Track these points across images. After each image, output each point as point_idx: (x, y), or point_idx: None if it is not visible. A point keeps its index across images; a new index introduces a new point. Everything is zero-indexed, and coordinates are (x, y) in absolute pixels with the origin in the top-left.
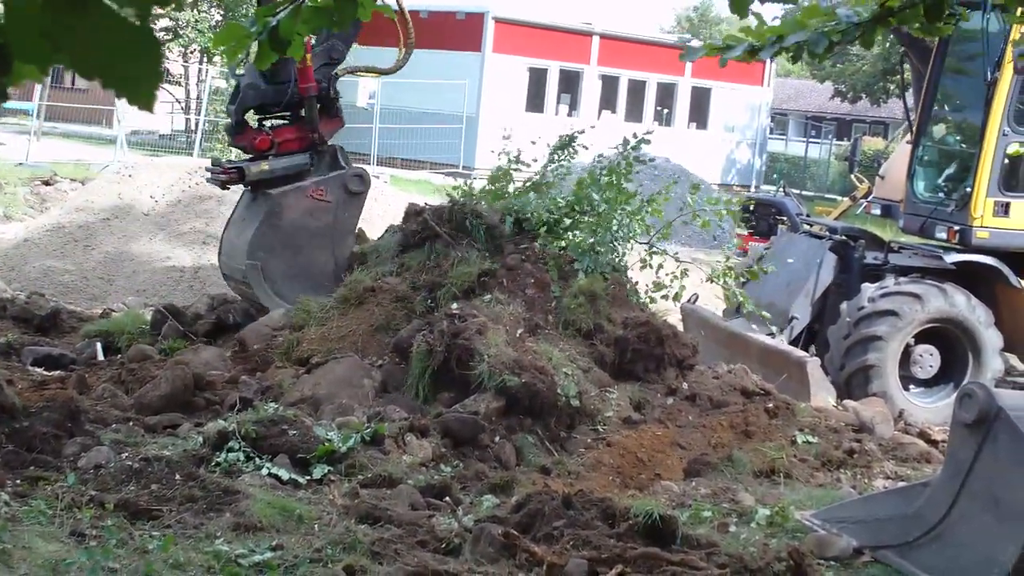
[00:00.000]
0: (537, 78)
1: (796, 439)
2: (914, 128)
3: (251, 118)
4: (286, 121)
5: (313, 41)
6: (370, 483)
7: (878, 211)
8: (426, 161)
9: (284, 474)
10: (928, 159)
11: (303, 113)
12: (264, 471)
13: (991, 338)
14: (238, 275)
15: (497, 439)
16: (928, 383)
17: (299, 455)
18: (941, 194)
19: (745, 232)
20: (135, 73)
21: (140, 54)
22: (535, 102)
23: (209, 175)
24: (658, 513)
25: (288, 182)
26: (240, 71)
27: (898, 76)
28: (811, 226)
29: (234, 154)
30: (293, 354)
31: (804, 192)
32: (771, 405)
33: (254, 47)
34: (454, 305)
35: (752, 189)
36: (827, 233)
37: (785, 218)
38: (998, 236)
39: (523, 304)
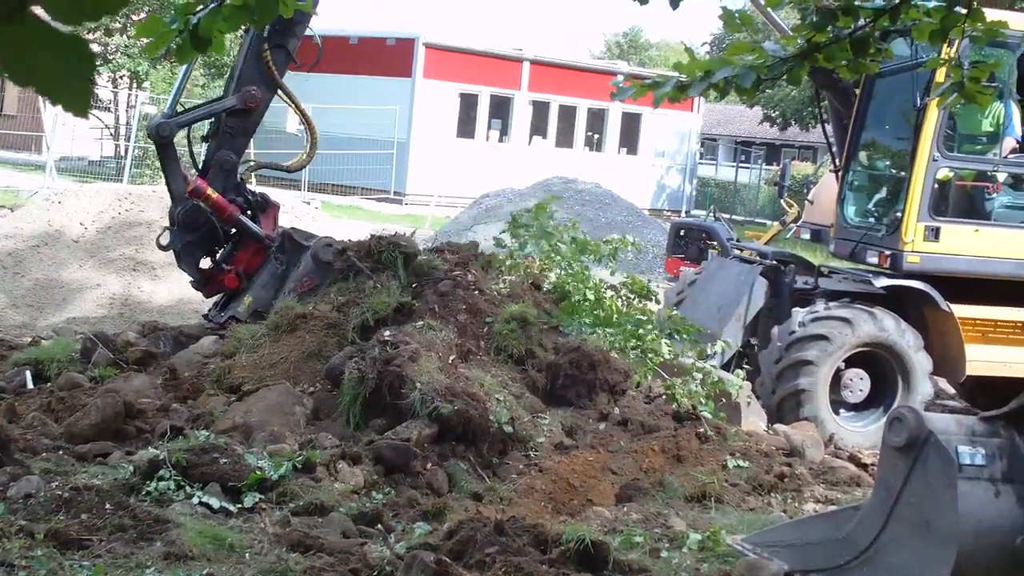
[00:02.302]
0: (468, 104)
1: (727, 463)
2: (843, 154)
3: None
4: (233, 247)
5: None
6: (302, 511)
7: (807, 236)
8: (357, 187)
9: (215, 503)
10: (857, 184)
11: (241, 231)
12: (195, 500)
13: (920, 362)
14: None
15: (429, 466)
16: (858, 407)
17: (230, 483)
18: (871, 219)
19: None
20: (68, 80)
21: (73, 61)
22: (466, 128)
23: (207, 324)
24: (590, 539)
25: (275, 296)
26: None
27: (825, 102)
28: (741, 251)
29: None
30: (225, 381)
31: (734, 217)
32: (702, 430)
33: None
34: (386, 332)
35: (682, 214)
36: (757, 258)
37: (715, 243)
38: (928, 261)
39: (455, 330)
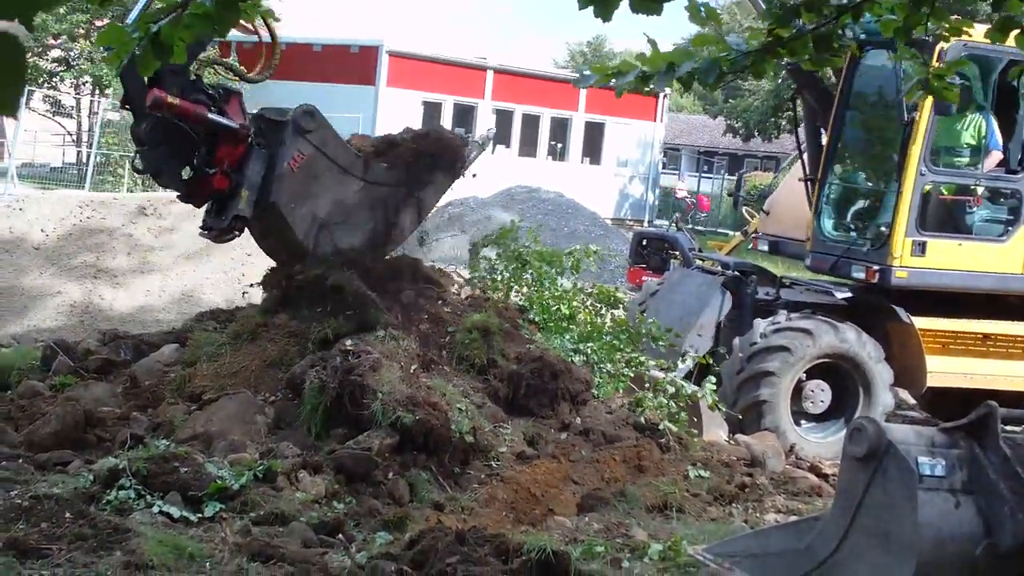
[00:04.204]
0: (431, 112)
1: (689, 474)
2: (820, 163)
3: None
4: (210, 148)
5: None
6: (262, 520)
7: (765, 247)
8: None
9: (175, 512)
10: (835, 197)
11: (214, 129)
12: (155, 509)
13: (881, 373)
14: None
15: (391, 475)
16: (819, 418)
17: (191, 492)
18: (853, 233)
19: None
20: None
21: (5, 61)
22: None
23: (208, 234)
24: (551, 549)
25: (268, 182)
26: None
27: (789, 112)
28: (703, 261)
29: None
30: (185, 390)
31: (697, 227)
32: (664, 440)
33: None
34: (348, 341)
35: (645, 223)
36: (719, 268)
37: (678, 253)
38: (916, 275)
39: (417, 340)
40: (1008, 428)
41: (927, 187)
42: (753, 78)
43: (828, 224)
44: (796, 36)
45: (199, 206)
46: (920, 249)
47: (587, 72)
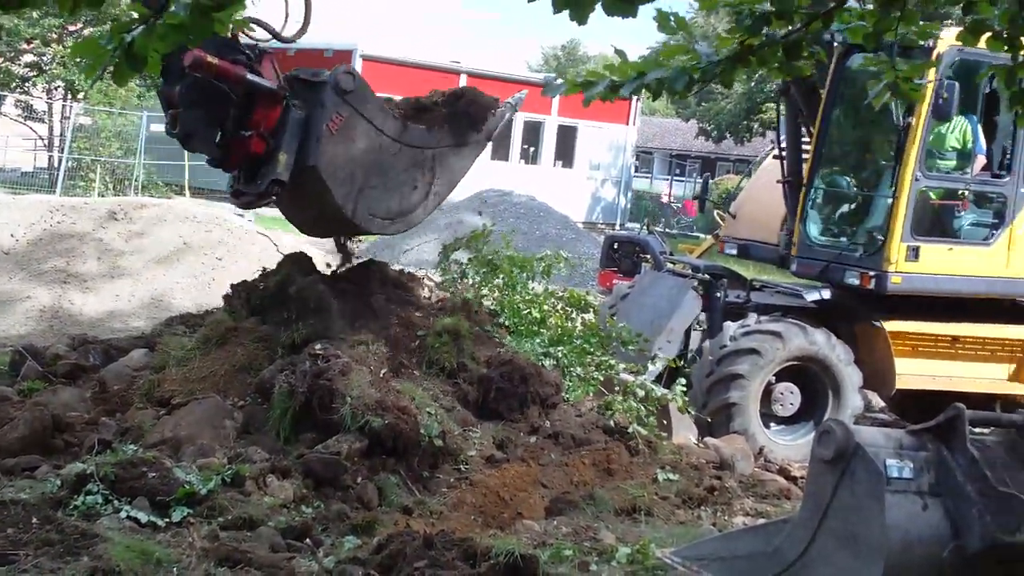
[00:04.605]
0: None
1: (658, 477)
2: (807, 168)
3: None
4: (243, 109)
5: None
6: (230, 525)
7: (733, 251)
8: None
9: (143, 517)
10: (823, 201)
11: (251, 90)
12: (123, 514)
13: (851, 375)
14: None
15: (359, 480)
16: (789, 420)
17: (159, 497)
18: (842, 238)
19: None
20: None
21: None
22: None
23: (239, 200)
24: (519, 553)
25: (307, 145)
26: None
27: (761, 114)
28: (674, 264)
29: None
30: (154, 395)
31: (668, 230)
32: (633, 443)
33: None
34: (317, 345)
35: (617, 227)
36: (690, 271)
37: (649, 256)
38: (909, 281)
39: (387, 344)
40: (976, 430)
41: (921, 192)
42: (723, 87)
43: (815, 229)
44: (766, 44)
45: (230, 170)
46: (914, 254)
47: (557, 81)
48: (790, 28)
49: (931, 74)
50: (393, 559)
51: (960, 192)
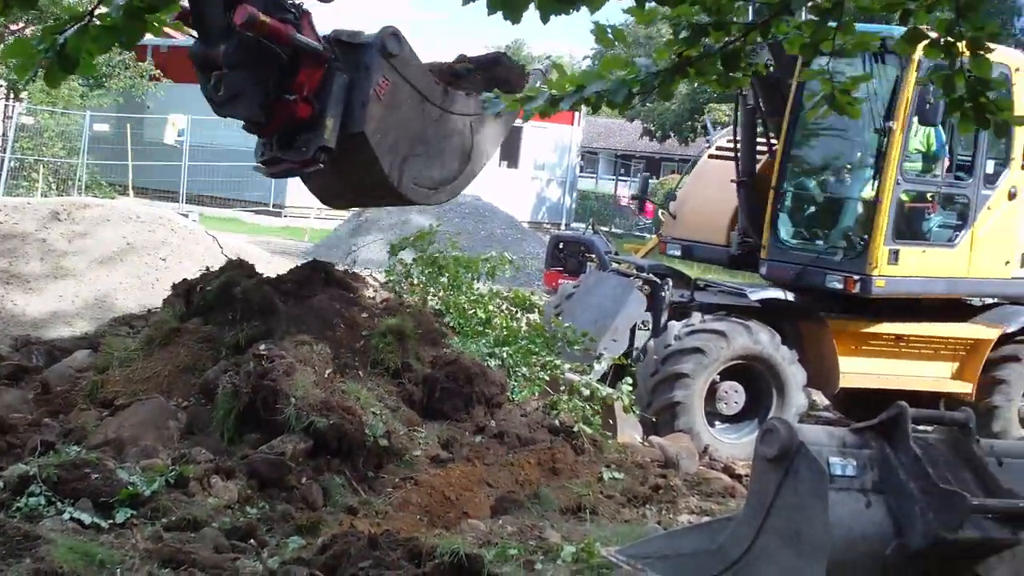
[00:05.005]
0: None
1: (603, 475)
2: (776, 171)
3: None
4: (285, 72)
5: None
6: (174, 526)
7: (677, 252)
8: (236, 199)
9: (86, 518)
10: (796, 204)
11: (298, 50)
12: (66, 516)
13: (795, 374)
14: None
15: (304, 480)
16: (733, 419)
17: (102, 499)
18: (820, 241)
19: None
20: None
21: None
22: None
23: (275, 169)
24: (464, 552)
25: (352, 110)
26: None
27: (706, 114)
28: (619, 264)
29: None
30: (98, 396)
31: (614, 230)
32: (578, 442)
33: None
34: (261, 346)
35: (562, 227)
36: (635, 271)
37: (594, 256)
38: (891, 284)
39: (332, 344)
40: (920, 428)
41: (901, 195)
42: (661, 99)
43: (787, 231)
44: (704, 55)
45: (267, 135)
46: (894, 257)
47: (495, 98)
48: (728, 39)
49: (911, 78)
50: (337, 559)
51: (935, 195)
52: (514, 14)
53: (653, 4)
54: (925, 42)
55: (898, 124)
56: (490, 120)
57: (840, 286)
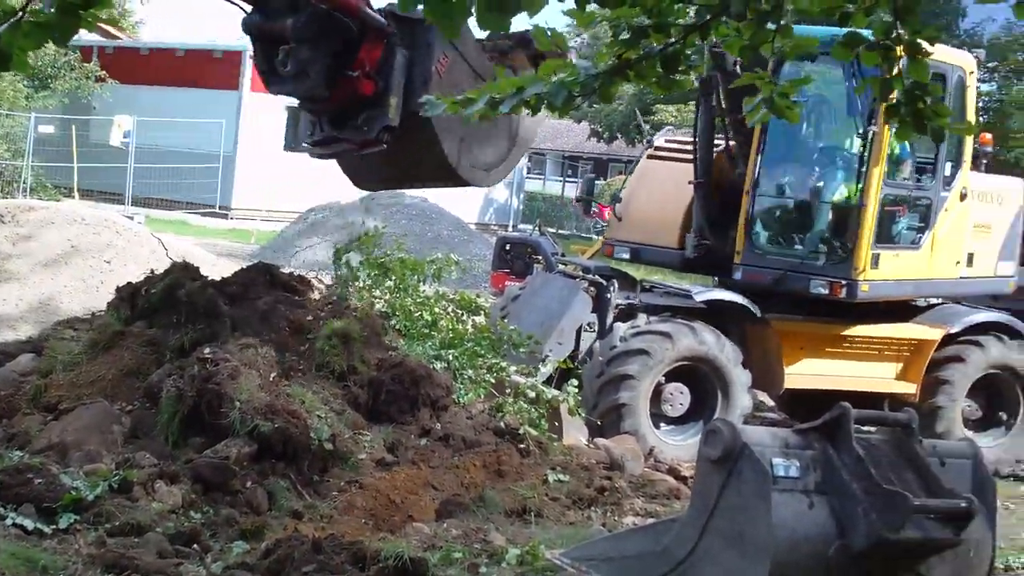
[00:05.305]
0: (295, 117)
1: (548, 478)
2: (748, 175)
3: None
4: (346, 46)
5: None
6: (117, 531)
7: (626, 255)
8: (182, 201)
9: (29, 524)
10: (771, 209)
11: (367, 22)
12: (9, 521)
13: (740, 376)
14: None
15: (249, 484)
16: (678, 421)
17: (45, 504)
18: (798, 246)
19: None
20: None
21: None
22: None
23: (328, 150)
24: (408, 556)
25: (413, 88)
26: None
27: (655, 116)
28: (566, 265)
29: None
30: (41, 400)
31: (561, 231)
32: (524, 444)
33: None
34: (206, 349)
35: (509, 228)
36: (580, 272)
37: (540, 257)
38: (874, 288)
39: (276, 347)
40: (864, 429)
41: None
42: (602, 101)
43: (764, 237)
44: (644, 58)
45: (323, 113)
46: (875, 261)
47: (435, 100)
48: (668, 42)
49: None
50: (281, 564)
51: (901, 198)
52: (451, 29)
53: (593, 6)
54: (861, 47)
55: (883, 128)
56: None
57: (825, 291)
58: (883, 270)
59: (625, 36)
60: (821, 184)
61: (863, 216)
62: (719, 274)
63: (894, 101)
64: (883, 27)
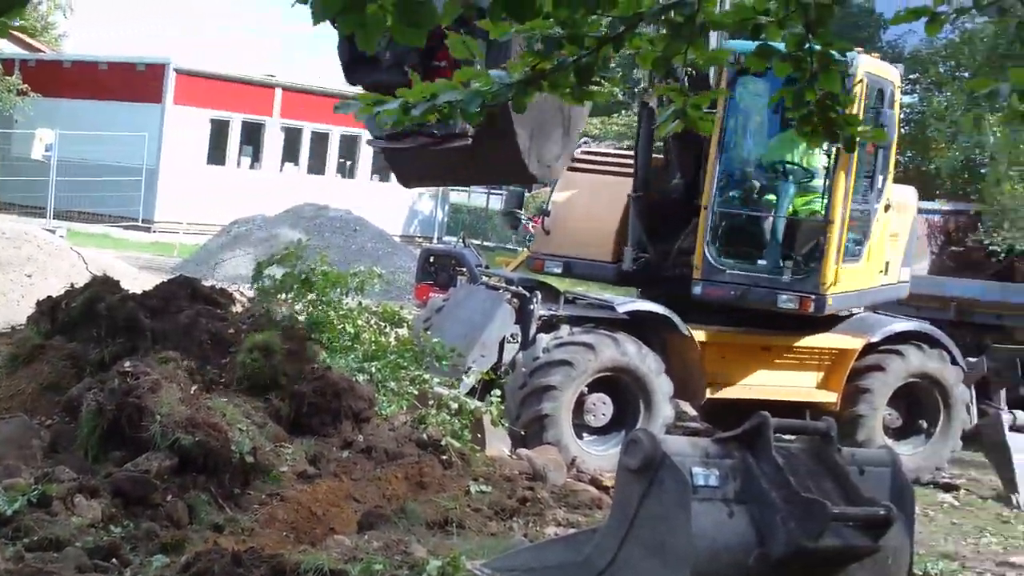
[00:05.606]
0: (219, 130)
1: (470, 489)
2: (706, 189)
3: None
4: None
5: None
6: (36, 546)
7: (558, 269)
8: (105, 214)
9: None
10: (733, 225)
11: None
12: None
13: (662, 385)
14: None
15: (169, 498)
16: (601, 431)
17: None
18: (762, 261)
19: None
20: None
21: None
22: (217, 154)
23: (413, 143)
24: (328, 568)
25: None
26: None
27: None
28: (489, 277)
29: None
30: None
31: (486, 243)
32: (446, 456)
33: None
34: (126, 363)
35: (434, 240)
36: (504, 284)
37: (464, 269)
38: (836, 300)
39: (198, 360)
40: (784, 438)
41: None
42: (515, 111)
43: (722, 252)
44: (558, 68)
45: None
46: (835, 275)
47: (349, 100)
48: (581, 53)
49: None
50: None
51: (853, 212)
52: (367, 40)
53: (506, 19)
54: (774, 58)
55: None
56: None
57: (795, 306)
58: (841, 283)
59: (539, 46)
60: (785, 199)
61: (831, 231)
62: (656, 287)
63: (806, 111)
64: (795, 39)
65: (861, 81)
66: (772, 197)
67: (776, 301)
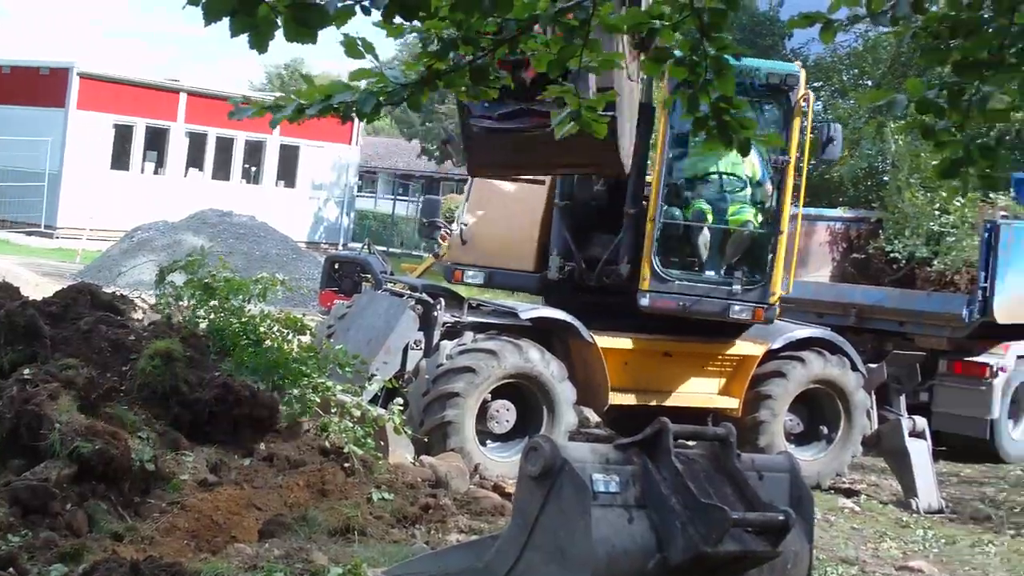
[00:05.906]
0: (123, 135)
1: (372, 496)
2: (652, 200)
3: None
4: None
5: None
6: None
7: (479, 280)
8: (6, 220)
9: None
10: (681, 236)
11: None
12: None
13: (565, 392)
14: None
15: (69, 506)
16: (505, 437)
17: None
18: (711, 272)
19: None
20: None
21: None
22: (121, 159)
23: (519, 123)
24: None
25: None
26: None
27: None
28: (394, 284)
29: None
30: None
31: (391, 250)
32: (348, 463)
33: None
34: (26, 370)
35: (340, 247)
36: (408, 291)
37: (369, 276)
38: (775, 309)
39: (98, 368)
40: (684, 443)
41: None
42: (411, 109)
43: (669, 263)
44: (453, 69)
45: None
46: (784, 285)
47: (241, 104)
48: (476, 54)
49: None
50: None
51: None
52: (259, 41)
53: (400, 20)
54: (669, 62)
55: (792, 156)
56: (634, 87)
57: (748, 316)
58: (777, 292)
59: (434, 47)
60: (733, 210)
61: (779, 242)
62: (583, 295)
63: (700, 115)
64: (689, 43)
65: (806, 95)
66: (708, 207)
67: (728, 311)
